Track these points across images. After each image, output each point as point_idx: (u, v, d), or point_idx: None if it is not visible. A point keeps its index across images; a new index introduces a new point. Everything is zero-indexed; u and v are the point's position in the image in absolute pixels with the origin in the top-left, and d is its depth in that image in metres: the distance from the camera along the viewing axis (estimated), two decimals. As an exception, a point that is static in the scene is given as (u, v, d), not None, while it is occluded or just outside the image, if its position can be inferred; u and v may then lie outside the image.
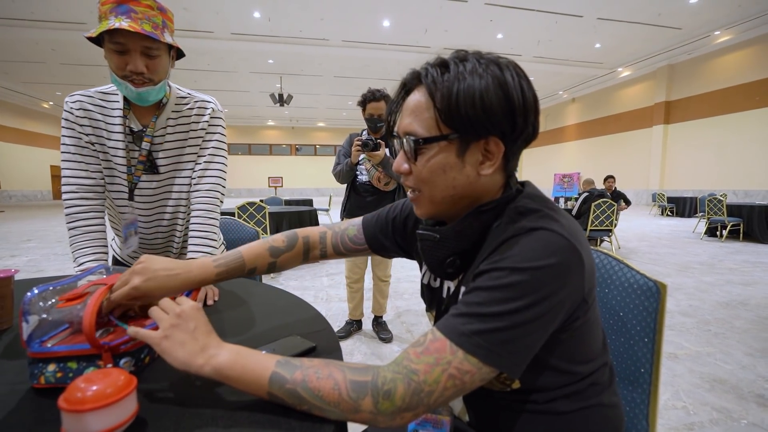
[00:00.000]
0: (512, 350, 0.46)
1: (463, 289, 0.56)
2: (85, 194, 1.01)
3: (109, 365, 0.53)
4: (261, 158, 26.17)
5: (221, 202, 1.11)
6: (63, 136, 1.01)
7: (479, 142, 0.52)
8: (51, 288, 0.56)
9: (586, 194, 5.13)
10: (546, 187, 18.08)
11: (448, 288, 0.63)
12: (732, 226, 6.68)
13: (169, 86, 1.05)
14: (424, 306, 0.65)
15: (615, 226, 5.03)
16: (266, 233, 3.94)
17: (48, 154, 21.44)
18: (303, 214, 4.64)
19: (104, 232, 1.04)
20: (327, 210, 8.51)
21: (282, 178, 17.28)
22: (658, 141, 14.45)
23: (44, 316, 0.54)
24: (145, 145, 1.03)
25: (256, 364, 0.48)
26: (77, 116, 0.99)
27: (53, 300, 0.55)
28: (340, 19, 10.78)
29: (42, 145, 20.90)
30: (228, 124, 25.20)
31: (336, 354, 0.63)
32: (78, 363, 0.53)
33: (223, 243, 1.25)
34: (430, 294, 0.68)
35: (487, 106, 0.49)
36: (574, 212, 5.15)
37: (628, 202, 5.88)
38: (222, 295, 0.96)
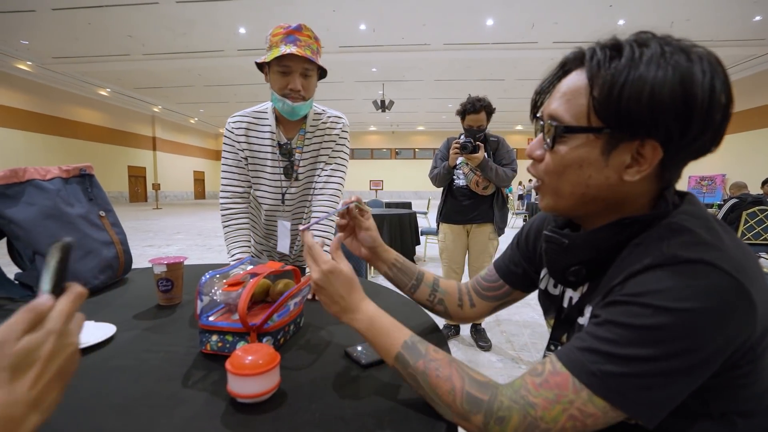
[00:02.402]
0: (652, 399, 0.40)
1: (589, 308, 0.50)
2: (237, 199, 1.23)
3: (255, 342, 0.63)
4: (363, 162, 27.58)
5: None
6: (224, 151, 1.22)
7: (632, 143, 0.45)
8: (217, 274, 0.69)
9: (734, 200, 4.27)
10: (678, 191, 15.45)
11: (570, 298, 0.58)
12: None
13: None
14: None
15: (777, 241, 4.09)
16: (368, 234, 4.15)
17: (192, 161, 25.73)
18: (403, 217, 4.75)
19: (249, 229, 1.25)
20: (425, 213, 8.56)
21: (382, 181, 17.96)
22: None
23: (212, 297, 0.67)
24: (297, 156, 1.21)
25: (386, 338, 0.52)
26: (236, 134, 1.20)
27: (219, 284, 0.68)
28: (443, 22, 10.79)
29: (188, 153, 25.17)
30: (334, 131, 27.19)
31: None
32: (233, 337, 0.64)
33: None
34: (547, 301, 0.64)
35: (657, 103, 0.41)
36: (717, 222, 4.33)
37: (798, 211, 4.72)
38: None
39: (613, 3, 9.56)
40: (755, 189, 5.25)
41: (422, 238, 5.18)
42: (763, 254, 4.41)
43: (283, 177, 1.22)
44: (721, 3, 9.45)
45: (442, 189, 2.46)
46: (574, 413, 0.42)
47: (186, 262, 0.97)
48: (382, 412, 0.49)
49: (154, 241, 6.88)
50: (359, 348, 0.66)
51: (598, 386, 0.41)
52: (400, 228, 4.68)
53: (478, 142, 2.11)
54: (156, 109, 20.71)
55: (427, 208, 8.89)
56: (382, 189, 17.45)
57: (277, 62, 1.08)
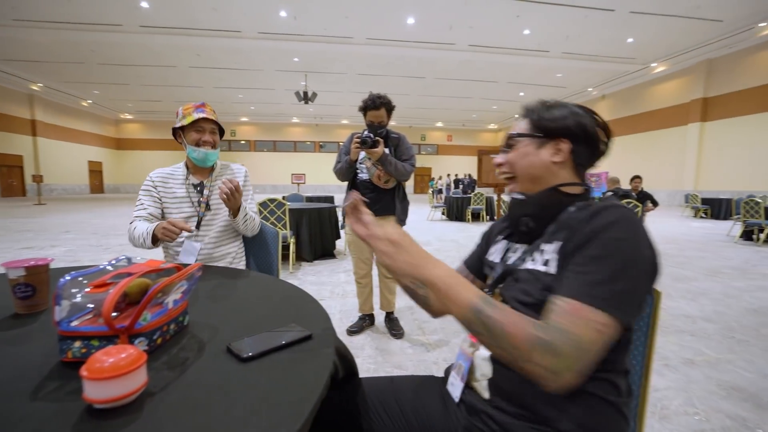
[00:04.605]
0: (636, 304, 0.60)
1: (537, 256, 0.71)
2: (145, 219, 1.58)
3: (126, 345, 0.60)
4: (285, 155, 26.70)
5: (259, 219, 1.73)
6: (141, 194, 1.61)
7: (552, 141, 0.76)
8: (81, 276, 0.64)
9: (609, 194, 5.00)
10: (572, 186, 17.62)
11: (517, 253, 0.79)
12: (770, 230, 6.33)
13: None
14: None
15: (640, 228, 4.89)
16: (285, 230, 4.05)
17: (87, 150, 22.60)
18: (323, 211, 4.73)
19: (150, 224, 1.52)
20: (347, 207, 8.59)
21: (305, 174, 17.53)
22: (693, 140, 13.83)
23: (74, 300, 0.62)
24: (206, 192, 1.65)
25: (464, 288, 0.59)
26: (155, 182, 1.63)
27: (83, 286, 0.63)
28: (365, 17, 10.84)
29: (81, 141, 22.04)
30: (253, 121, 25.80)
31: (328, 343, 0.68)
32: (100, 341, 0.60)
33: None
34: (489, 268, 0.85)
35: (559, 120, 0.76)
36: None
37: (655, 203, 5.68)
38: (228, 285, 1.03)
39: (520, 14, 10.47)
40: (627, 184, 6.19)
41: (342, 233, 5.21)
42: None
43: (198, 208, 1.63)
44: (603, 24, 10.91)
45: (347, 183, 2.50)
46: (599, 328, 0.55)
47: (77, 264, 0.87)
48: (249, 405, 0.51)
49: (34, 242, 5.92)
50: (241, 342, 0.66)
51: (606, 306, 0.56)
52: (320, 222, 4.65)
53: (377, 138, 2.19)
54: (35, 87, 17.70)
55: (351, 202, 8.93)
56: (304, 183, 17.05)
57: (192, 125, 1.58)
